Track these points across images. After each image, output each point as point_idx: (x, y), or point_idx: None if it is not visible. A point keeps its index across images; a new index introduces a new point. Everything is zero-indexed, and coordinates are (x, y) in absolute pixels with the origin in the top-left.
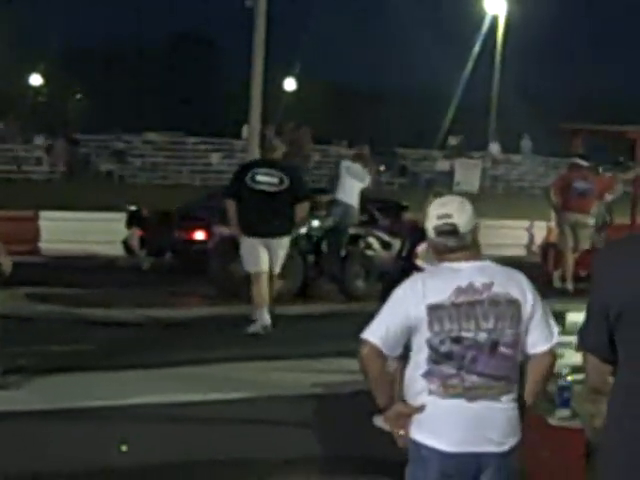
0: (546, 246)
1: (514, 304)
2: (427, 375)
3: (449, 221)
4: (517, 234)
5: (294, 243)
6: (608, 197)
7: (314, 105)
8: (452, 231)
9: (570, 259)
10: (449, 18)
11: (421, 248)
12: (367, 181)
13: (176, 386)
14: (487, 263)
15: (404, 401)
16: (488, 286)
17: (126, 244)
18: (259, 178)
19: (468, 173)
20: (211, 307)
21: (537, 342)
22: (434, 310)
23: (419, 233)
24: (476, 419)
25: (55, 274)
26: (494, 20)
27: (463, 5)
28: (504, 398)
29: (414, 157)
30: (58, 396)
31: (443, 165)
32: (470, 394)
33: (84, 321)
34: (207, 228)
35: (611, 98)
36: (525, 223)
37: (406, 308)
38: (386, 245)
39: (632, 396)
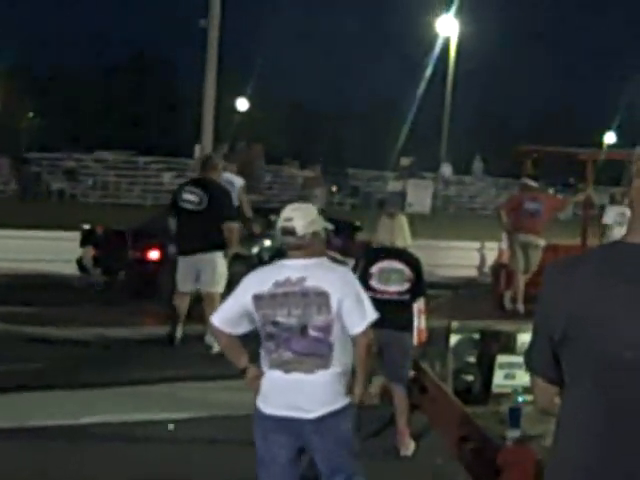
0: (497, 267)
1: (322, 295)
2: (262, 350)
3: (289, 224)
4: (468, 255)
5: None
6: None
7: (266, 125)
8: (290, 232)
9: (521, 280)
10: (401, 39)
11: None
12: (237, 186)
13: (128, 405)
14: (315, 261)
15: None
16: (302, 280)
17: (80, 263)
18: (184, 196)
19: (420, 194)
20: (163, 326)
21: (352, 325)
22: (257, 299)
23: (373, 253)
24: (289, 388)
25: (8, 293)
26: (446, 42)
27: (415, 27)
28: (319, 372)
29: (366, 177)
30: (10, 415)
31: (395, 186)
32: (286, 367)
33: (37, 340)
34: (160, 247)
35: (565, 118)
36: (476, 244)
37: (242, 296)
38: (340, 264)
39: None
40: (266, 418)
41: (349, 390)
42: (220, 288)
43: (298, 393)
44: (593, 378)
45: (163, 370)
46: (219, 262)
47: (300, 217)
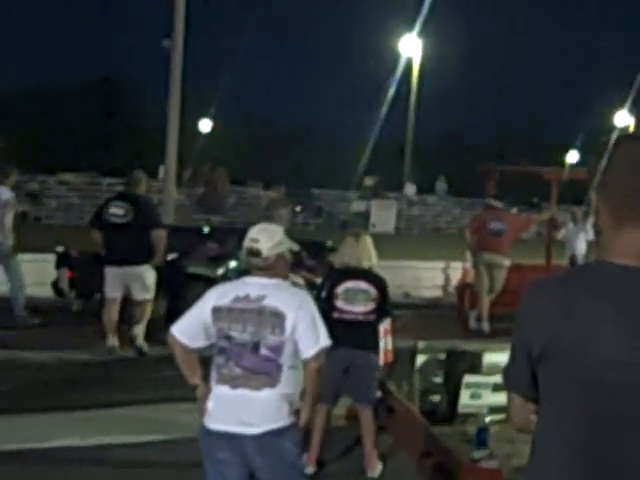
0: (462, 287)
1: (278, 316)
2: (213, 364)
3: (255, 245)
4: (433, 275)
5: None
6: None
7: (230, 146)
8: (256, 253)
9: (486, 299)
10: (364, 59)
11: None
12: (3, 199)
13: (97, 428)
14: (277, 282)
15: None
16: (260, 298)
17: (55, 286)
18: (110, 210)
19: (384, 214)
20: (131, 348)
21: (304, 349)
22: (216, 312)
23: (338, 274)
24: (234, 403)
25: None
26: (409, 62)
27: (378, 47)
28: (265, 390)
29: (330, 198)
30: None
31: (359, 206)
32: (233, 382)
33: (6, 363)
34: None
35: (529, 136)
36: (441, 264)
37: (202, 308)
38: (312, 286)
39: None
40: (211, 434)
41: (295, 412)
42: (150, 295)
43: (243, 408)
44: (569, 397)
45: (133, 392)
46: (147, 273)
47: (266, 239)
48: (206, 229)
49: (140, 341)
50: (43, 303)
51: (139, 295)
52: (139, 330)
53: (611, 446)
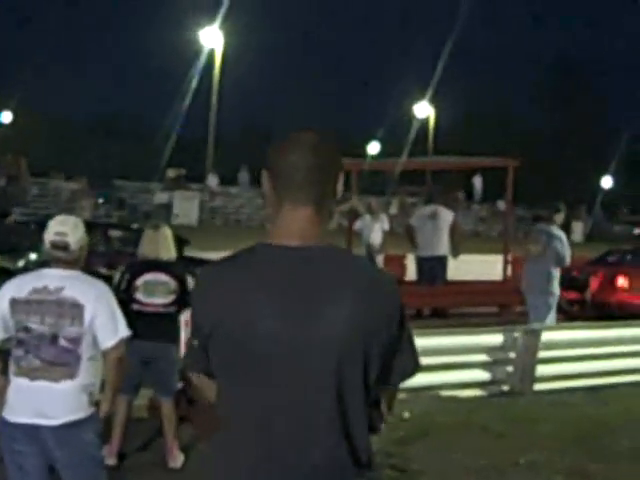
0: None
1: (77, 307)
2: (12, 357)
3: (63, 239)
4: None
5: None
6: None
7: (32, 138)
8: (64, 247)
9: None
10: (168, 52)
11: (141, 281)
12: None
13: None
14: (76, 273)
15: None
16: (59, 290)
17: None
18: None
19: (186, 205)
20: None
21: (103, 339)
22: (13, 304)
23: (137, 266)
24: (34, 395)
25: None
26: (211, 53)
27: (180, 39)
28: (63, 382)
29: (132, 189)
30: None
31: (161, 197)
32: (32, 374)
33: None
34: None
35: (331, 128)
36: None
37: (0, 300)
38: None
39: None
40: (11, 426)
41: (95, 403)
42: None
43: (42, 400)
44: (234, 373)
45: None
46: None
47: (73, 232)
48: None
49: None
50: None
51: None
52: None
53: (279, 416)
